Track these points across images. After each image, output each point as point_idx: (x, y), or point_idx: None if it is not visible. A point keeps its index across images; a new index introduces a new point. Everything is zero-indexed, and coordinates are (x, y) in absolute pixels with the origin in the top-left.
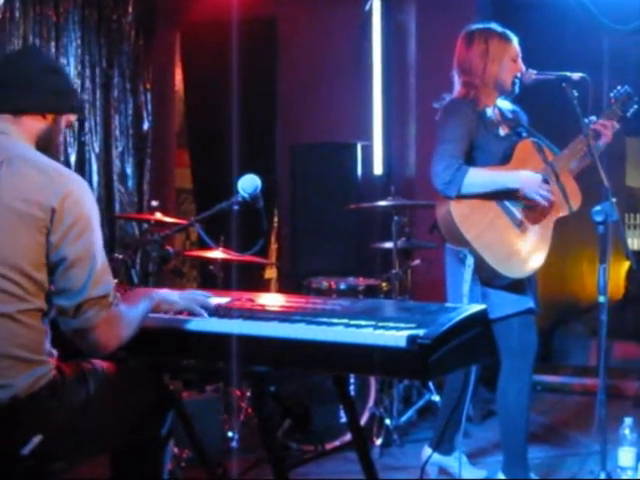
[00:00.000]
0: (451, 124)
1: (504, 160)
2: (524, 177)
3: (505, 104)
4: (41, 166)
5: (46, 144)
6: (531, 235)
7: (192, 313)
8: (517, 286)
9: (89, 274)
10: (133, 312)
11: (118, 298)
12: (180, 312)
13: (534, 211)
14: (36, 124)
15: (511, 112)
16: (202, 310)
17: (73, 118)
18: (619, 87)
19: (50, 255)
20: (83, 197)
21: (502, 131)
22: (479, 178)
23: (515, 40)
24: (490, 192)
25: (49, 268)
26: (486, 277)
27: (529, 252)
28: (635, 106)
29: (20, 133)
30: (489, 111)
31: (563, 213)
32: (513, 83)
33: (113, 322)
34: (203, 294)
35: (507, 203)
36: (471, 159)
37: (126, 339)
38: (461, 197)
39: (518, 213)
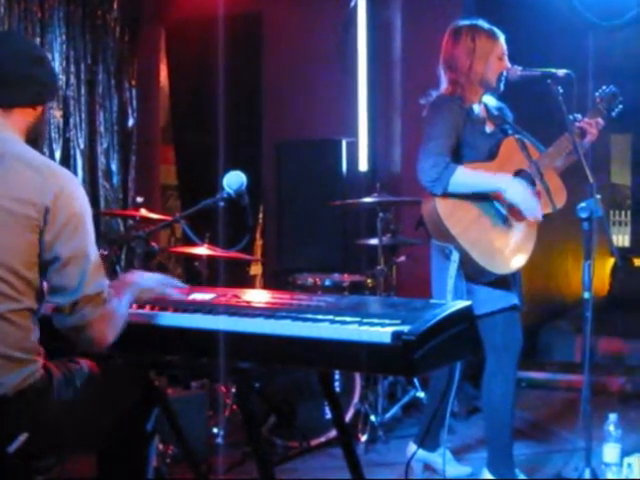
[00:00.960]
0: (438, 121)
1: (490, 157)
2: (511, 185)
3: (491, 100)
4: (34, 164)
5: (36, 135)
6: (516, 232)
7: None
8: (502, 282)
9: (83, 272)
10: (122, 306)
11: (111, 294)
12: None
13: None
14: (26, 117)
15: (497, 109)
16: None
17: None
18: (604, 86)
19: (43, 253)
20: (75, 195)
21: (488, 128)
22: (466, 178)
23: (502, 38)
24: (476, 192)
25: (41, 266)
26: (471, 273)
27: (514, 249)
28: (620, 105)
29: (10, 126)
30: (476, 108)
31: (547, 211)
32: (498, 80)
33: (108, 318)
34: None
35: (493, 200)
36: (458, 156)
37: (118, 334)
38: (447, 194)
39: (504, 210)
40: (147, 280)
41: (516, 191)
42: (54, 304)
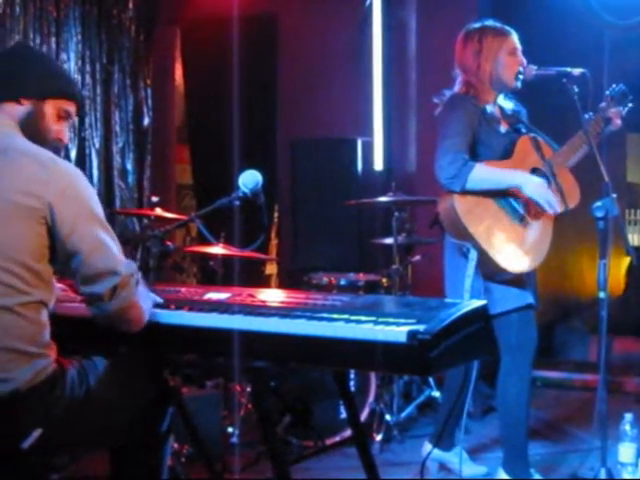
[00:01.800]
0: (455, 118)
1: (505, 156)
2: (530, 181)
3: (506, 103)
4: (38, 158)
5: (31, 131)
6: (533, 230)
7: None
8: (517, 281)
9: (110, 257)
10: (146, 288)
11: (139, 274)
12: None
13: (535, 206)
14: (13, 112)
15: (511, 109)
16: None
17: (67, 105)
18: (614, 85)
19: (62, 248)
20: (80, 187)
21: (502, 127)
22: (485, 175)
23: (513, 34)
24: (494, 189)
25: (62, 260)
26: (489, 272)
27: (531, 247)
28: (630, 104)
29: (6, 122)
30: (489, 108)
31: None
32: (517, 78)
33: (143, 297)
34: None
35: (510, 198)
36: (474, 154)
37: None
38: (465, 192)
39: (520, 208)
40: None
41: (534, 186)
42: (90, 294)
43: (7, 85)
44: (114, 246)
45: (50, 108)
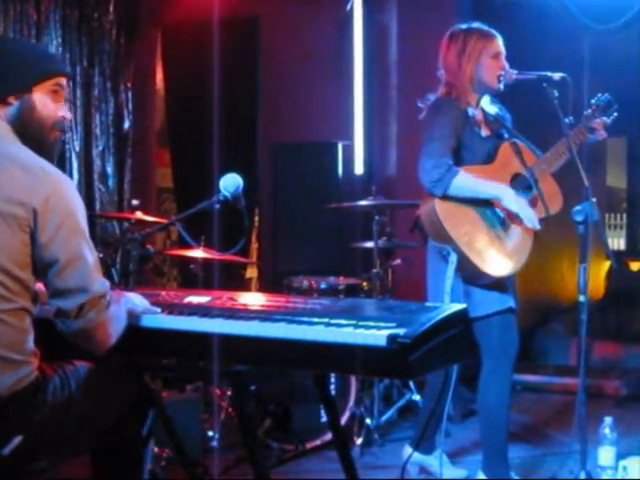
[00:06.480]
0: (439, 122)
1: (488, 161)
2: (510, 194)
3: (490, 107)
4: (26, 164)
5: (30, 125)
6: (514, 235)
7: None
8: (498, 285)
9: (85, 274)
10: (122, 312)
11: (112, 296)
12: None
13: None
14: (3, 113)
15: (495, 114)
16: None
17: (56, 82)
18: (599, 94)
19: (40, 256)
20: (67, 196)
21: (483, 132)
22: (467, 183)
23: (497, 37)
24: (474, 198)
25: (39, 269)
26: (469, 275)
27: (512, 251)
28: (615, 114)
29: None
30: (470, 111)
31: (541, 215)
32: (499, 80)
33: (111, 321)
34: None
35: (492, 203)
36: (457, 158)
37: (119, 336)
38: (446, 197)
39: (502, 213)
40: (134, 299)
41: (514, 200)
42: (56, 308)
43: None
44: (92, 263)
45: (39, 94)
